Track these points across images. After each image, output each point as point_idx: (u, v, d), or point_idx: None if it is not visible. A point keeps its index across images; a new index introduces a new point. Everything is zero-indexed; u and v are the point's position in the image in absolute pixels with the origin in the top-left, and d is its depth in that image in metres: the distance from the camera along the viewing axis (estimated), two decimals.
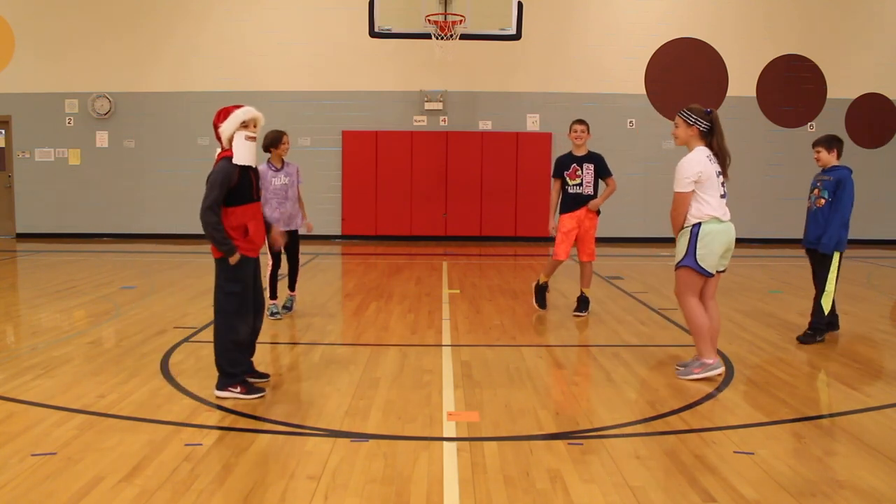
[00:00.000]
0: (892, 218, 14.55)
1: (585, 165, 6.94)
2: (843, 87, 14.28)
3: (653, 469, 3.44)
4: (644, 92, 14.13)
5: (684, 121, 4.85)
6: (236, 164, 4.31)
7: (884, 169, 14.41)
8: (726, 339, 6.08)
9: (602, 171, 6.98)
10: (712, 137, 4.85)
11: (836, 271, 5.95)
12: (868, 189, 14.37)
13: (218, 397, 4.39)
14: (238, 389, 4.39)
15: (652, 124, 14.07)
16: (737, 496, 3.16)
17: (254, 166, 4.46)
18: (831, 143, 6.07)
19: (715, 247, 4.82)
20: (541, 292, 7.25)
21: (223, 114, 4.35)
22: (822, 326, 6.05)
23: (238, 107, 4.36)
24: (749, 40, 14.07)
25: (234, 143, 4.32)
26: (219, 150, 4.43)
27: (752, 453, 3.64)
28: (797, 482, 3.30)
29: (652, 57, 14.07)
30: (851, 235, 5.99)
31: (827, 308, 5.99)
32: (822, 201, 5.93)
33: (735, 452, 3.64)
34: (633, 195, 13.85)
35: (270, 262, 6.77)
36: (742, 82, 14.17)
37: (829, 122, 14.19)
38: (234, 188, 4.29)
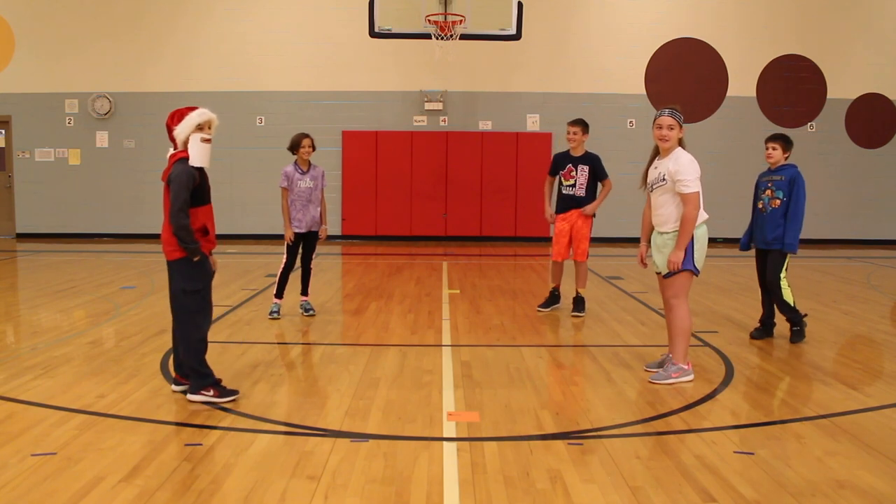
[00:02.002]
0: (892, 218, 14.52)
1: (581, 167, 6.94)
2: (843, 87, 14.26)
3: (653, 469, 3.44)
4: (644, 92, 14.13)
5: (679, 122, 4.83)
6: (193, 166, 4.31)
7: (884, 169, 14.40)
8: (726, 340, 6.09)
9: (598, 173, 6.98)
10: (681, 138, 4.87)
11: (786, 268, 5.98)
12: (868, 189, 14.43)
13: (191, 401, 4.33)
14: (211, 393, 4.35)
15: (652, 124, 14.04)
16: (737, 496, 3.16)
17: (207, 167, 4.42)
18: (788, 142, 6.04)
19: (706, 248, 4.86)
20: (550, 298, 7.31)
21: (177, 116, 4.34)
22: (799, 318, 6.05)
23: (192, 109, 4.36)
24: (749, 40, 14.06)
25: (189, 146, 4.31)
26: (171, 152, 4.41)
27: (752, 453, 3.64)
28: (797, 482, 3.30)
29: (652, 57, 14.06)
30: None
31: (791, 300, 5.99)
32: (778, 202, 5.92)
33: (735, 452, 3.64)
34: (633, 195, 13.73)
35: (284, 260, 6.74)
36: (742, 82, 14.16)
37: (829, 122, 14.21)
38: (194, 189, 4.29)
